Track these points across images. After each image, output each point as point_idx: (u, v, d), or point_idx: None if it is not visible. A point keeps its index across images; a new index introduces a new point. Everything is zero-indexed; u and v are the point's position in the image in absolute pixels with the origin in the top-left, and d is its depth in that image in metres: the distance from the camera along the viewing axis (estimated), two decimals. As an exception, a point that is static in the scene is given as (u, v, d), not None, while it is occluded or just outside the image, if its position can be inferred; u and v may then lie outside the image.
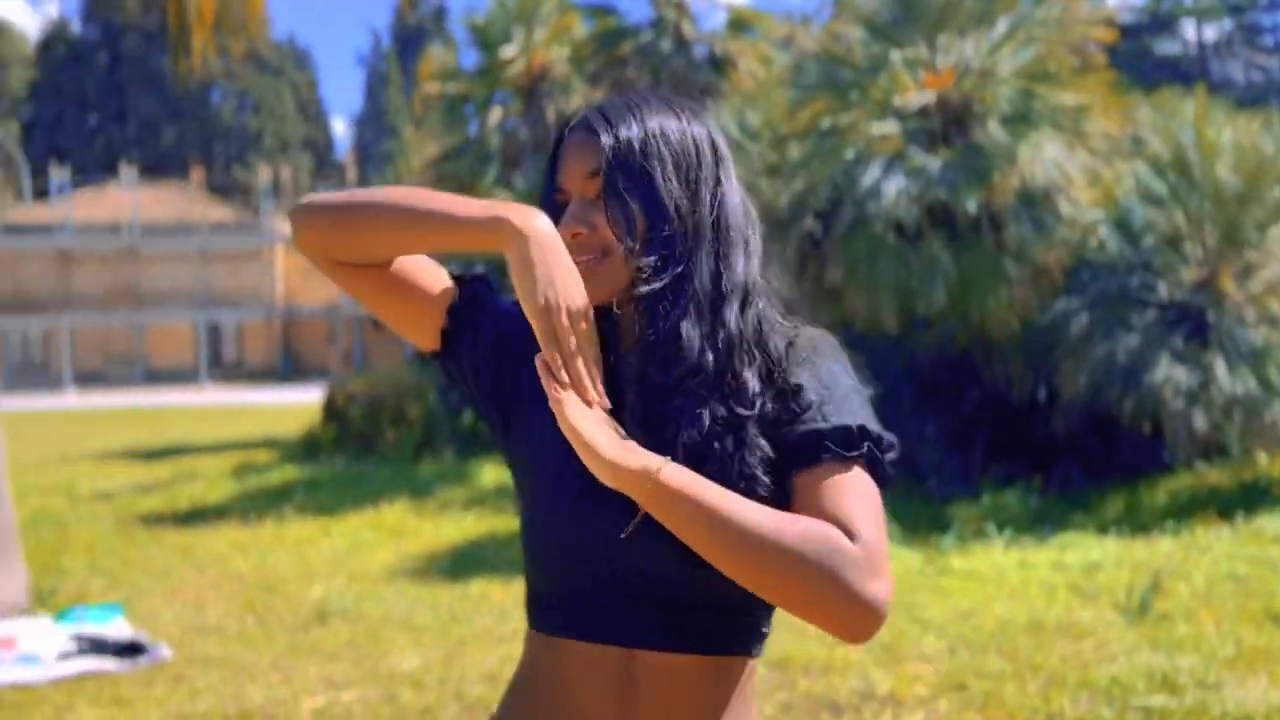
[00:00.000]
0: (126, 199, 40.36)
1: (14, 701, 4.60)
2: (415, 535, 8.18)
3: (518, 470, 1.30)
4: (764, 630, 1.24)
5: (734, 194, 1.25)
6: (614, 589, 1.18)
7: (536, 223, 1.17)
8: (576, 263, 1.18)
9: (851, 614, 1.06)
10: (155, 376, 38.41)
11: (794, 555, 1.07)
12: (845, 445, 1.15)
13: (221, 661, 5.12)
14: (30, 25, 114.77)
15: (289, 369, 37.20)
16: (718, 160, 1.25)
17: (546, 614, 1.23)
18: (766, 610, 1.22)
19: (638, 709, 1.19)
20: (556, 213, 1.24)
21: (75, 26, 63.14)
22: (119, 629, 5.54)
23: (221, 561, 7.42)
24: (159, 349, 39.76)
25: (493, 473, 10.61)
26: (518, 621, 5.66)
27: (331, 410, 12.40)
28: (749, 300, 1.22)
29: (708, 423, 1.16)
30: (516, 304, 1.28)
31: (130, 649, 5.21)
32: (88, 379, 37.41)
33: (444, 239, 1.21)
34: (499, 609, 5.94)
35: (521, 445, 1.28)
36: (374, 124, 63.61)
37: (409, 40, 61.10)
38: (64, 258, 39.70)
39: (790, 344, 1.23)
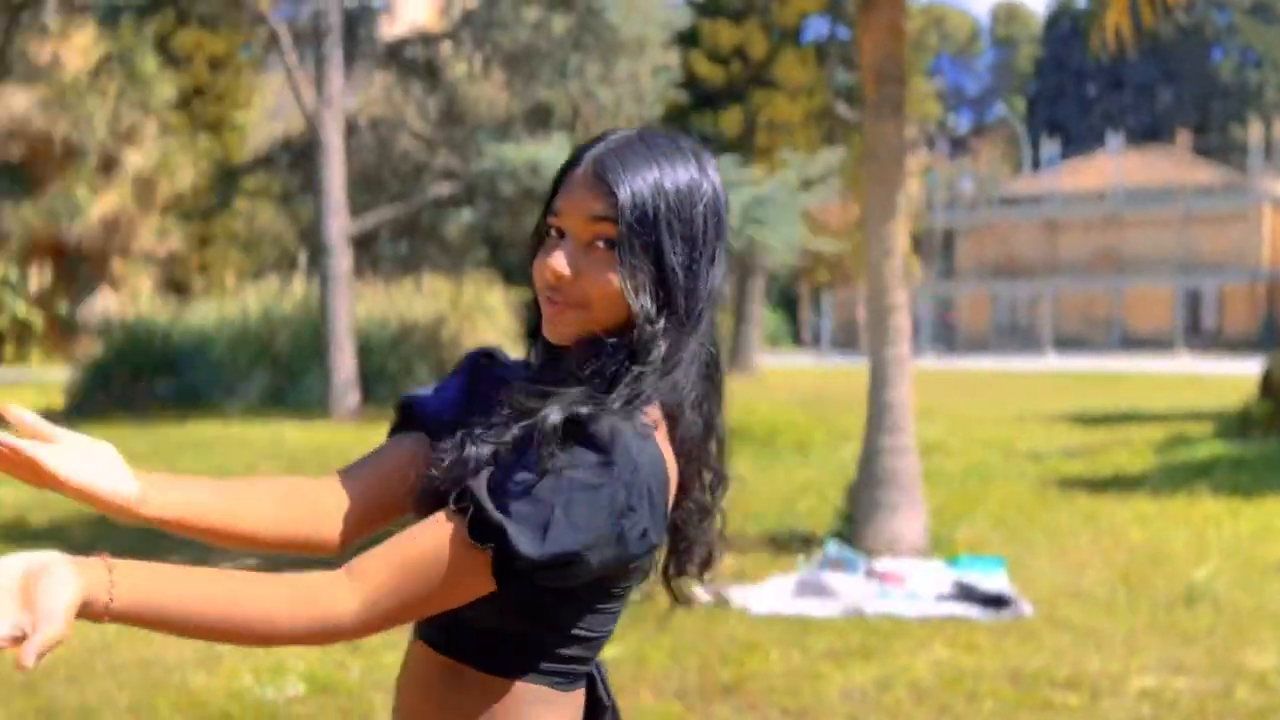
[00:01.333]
0: (1111, 166, 40.90)
1: (884, 629, 5.33)
2: (1336, 529, 7.45)
3: None
4: (545, 654, 1.22)
5: (719, 264, 1.26)
6: None
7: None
8: (552, 301, 1.23)
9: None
10: (1131, 342, 38.54)
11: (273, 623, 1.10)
12: (457, 499, 1.14)
13: (1075, 626, 5.33)
14: (1039, 4, 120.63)
15: (1269, 337, 34.72)
16: (719, 226, 1.26)
17: None
18: (552, 636, 1.22)
19: (399, 687, 1.32)
20: (541, 238, 1.26)
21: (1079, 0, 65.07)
22: (995, 582, 6.01)
23: (1118, 531, 7.53)
24: (1137, 315, 39.82)
25: None
26: None
27: (1269, 385, 11.57)
28: (674, 362, 1.22)
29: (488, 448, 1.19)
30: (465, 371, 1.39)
31: (996, 601, 5.67)
32: (1066, 343, 38.84)
33: None
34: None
35: None
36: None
37: None
38: (1050, 225, 41.60)
39: (582, 419, 1.15)
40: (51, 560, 1.00)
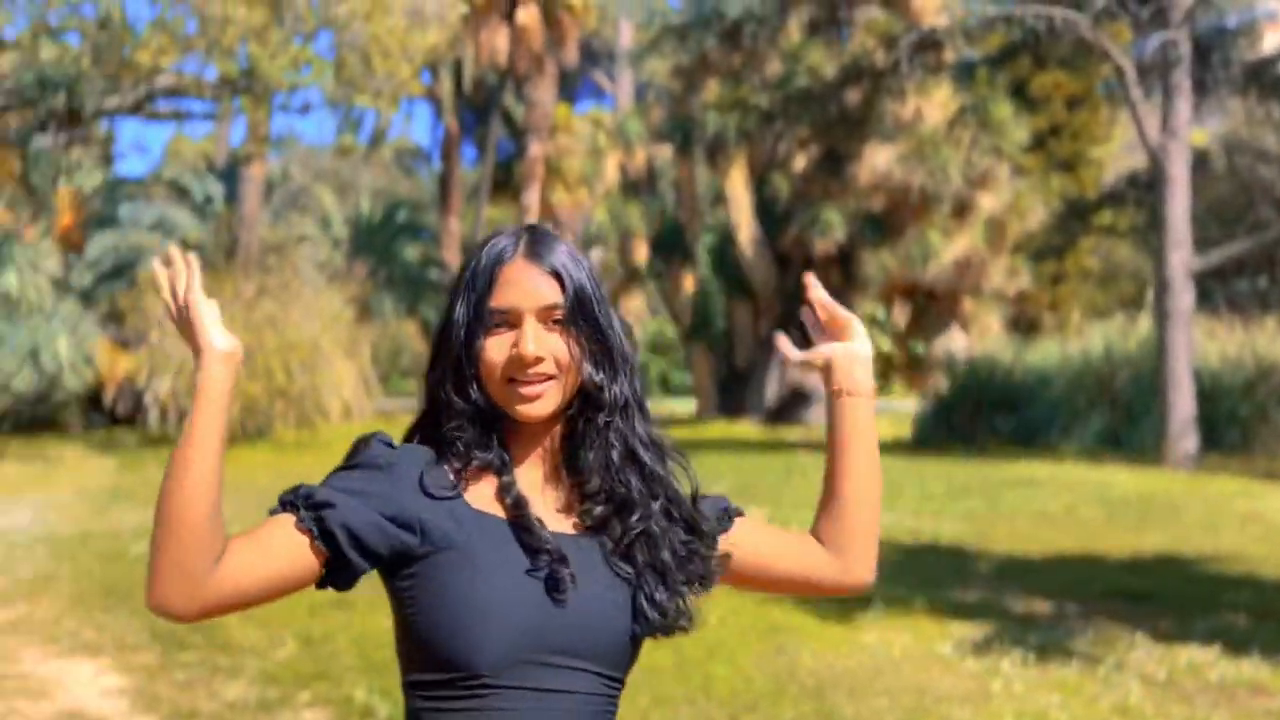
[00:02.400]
0: None
1: None
2: None
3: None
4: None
5: (627, 332, 1.48)
6: None
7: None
8: (537, 381, 1.39)
9: None
10: None
11: None
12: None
13: None
14: None
15: None
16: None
17: None
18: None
19: None
20: (484, 329, 1.39)
21: None
22: None
23: None
24: None
25: None
26: None
27: None
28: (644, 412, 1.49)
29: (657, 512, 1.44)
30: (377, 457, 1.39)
31: None
32: None
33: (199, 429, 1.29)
34: None
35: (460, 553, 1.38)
36: None
37: None
38: None
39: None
40: None
